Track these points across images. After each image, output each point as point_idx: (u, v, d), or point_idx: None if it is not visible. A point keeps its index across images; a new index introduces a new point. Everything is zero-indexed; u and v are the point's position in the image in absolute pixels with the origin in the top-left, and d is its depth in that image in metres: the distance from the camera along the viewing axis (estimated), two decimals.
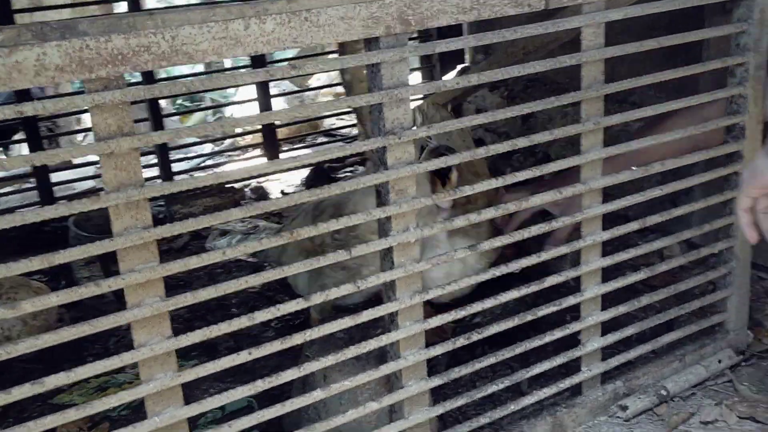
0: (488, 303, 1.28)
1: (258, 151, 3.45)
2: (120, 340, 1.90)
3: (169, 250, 2.44)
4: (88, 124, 4.30)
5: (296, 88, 3.98)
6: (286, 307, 1.09)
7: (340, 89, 3.75)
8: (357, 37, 1.04)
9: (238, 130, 3.64)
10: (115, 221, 0.95)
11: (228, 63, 5.00)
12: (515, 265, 1.30)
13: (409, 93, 1.09)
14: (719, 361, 1.60)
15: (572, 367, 1.46)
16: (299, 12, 0.98)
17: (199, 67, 4.37)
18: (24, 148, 3.57)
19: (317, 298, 1.11)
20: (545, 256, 1.33)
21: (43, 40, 0.86)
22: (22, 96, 2.48)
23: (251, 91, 3.80)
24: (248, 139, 3.63)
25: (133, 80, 3.26)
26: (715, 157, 1.48)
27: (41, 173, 2.75)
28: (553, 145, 2.61)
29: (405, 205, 1.14)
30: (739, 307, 1.63)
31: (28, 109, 0.86)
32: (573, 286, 1.44)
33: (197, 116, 4.44)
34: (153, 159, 3.03)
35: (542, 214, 1.68)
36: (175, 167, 3.03)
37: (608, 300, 1.45)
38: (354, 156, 3.08)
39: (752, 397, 1.51)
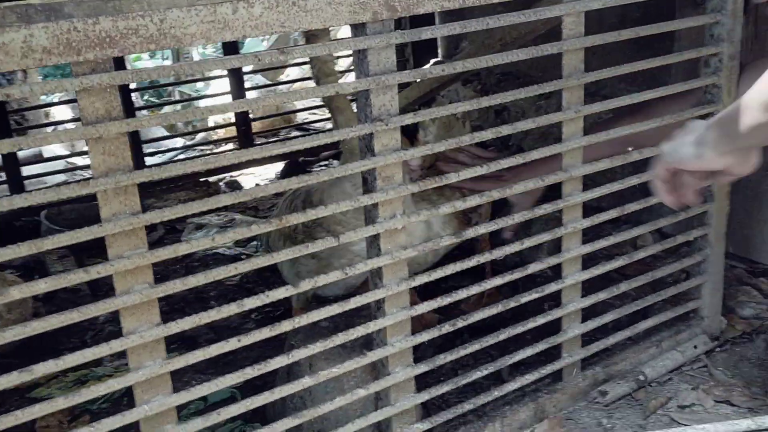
0: (473, 290, 1.29)
1: (231, 145, 3.42)
2: (97, 334, 1.88)
3: None
4: (58, 117, 4.23)
5: (268, 82, 3.96)
6: (275, 294, 1.09)
7: (312, 83, 3.74)
8: (344, 22, 1.04)
9: (211, 123, 3.61)
10: (103, 207, 0.93)
11: (195, 57, 4.96)
12: (499, 253, 1.31)
13: (396, 79, 1.10)
14: (695, 347, 1.63)
15: (552, 354, 1.48)
16: None
17: (167, 62, 4.32)
18: None
19: (306, 285, 1.11)
20: (528, 243, 1.34)
21: (29, 22, 0.85)
22: None
23: (222, 85, 3.78)
24: (221, 133, 3.60)
25: None
26: None
27: (11, 167, 2.70)
28: (526, 139, 2.64)
29: (392, 192, 1.14)
30: (713, 293, 1.67)
31: (15, 91, 0.85)
32: (550, 276, 1.47)
33: (166, 110, 4.40)
34: None
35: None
36: (147, 161, 3.00)
37: (585, 288, 1.48)
38: (328, 149, 3.07)
39: (727, 382, 1.55)
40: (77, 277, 0.93)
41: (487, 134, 1.22)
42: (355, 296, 1.18)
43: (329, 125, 3.49)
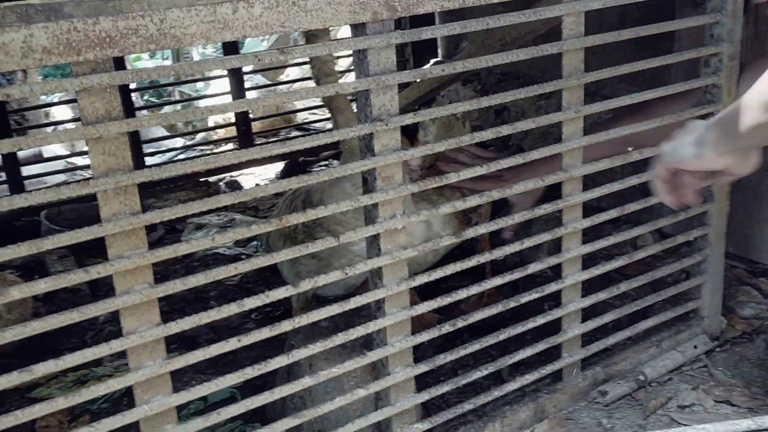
0: (473, 290, 1.29)
1: (231, 145, 3.42)
2: (97, 334, 1.88)
3: None
4: (58, 117, 4.23)
5: (268, 82, 3.96)
6: (275, 294, 1.09)
7: (312, 83, 3.74)
8: (344, 22, 1.04)
9: (211, 123, 3.61)
10: (103, 207, 0.93)
11: (195, 57, 4.95)
12: (499, 253, 1.31)
13: (396, 79, 1.10)
14: (695, 347, 1.63)
15: (552, 354, 1.48)
16: None
17: (167, 62, 4.31)
18: None
19: (306, 285, 1.11)
20: (528, 243, 1.34)
21: (29, 22, 0.85)
22: None
23: (222, 86, 3.78)
24: (221, 133, 3.60)
25: None
26: None
27: (11, 166, 2.70)
28: (526, 139, 2.64)
29: (392, 192, 1.14)
30: (713, 293, 1.66)
31: (15, 91, 0.85)
32: (550, 276, 1.46)
33: (166, 110, 4.40)
34: None
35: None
36: (147, 161, 3.00)
37: (585, 288, 1.48)
38: (328, 149, 3.07)
39: (727, 382, 1.55)
40: (77, 277, 0.93)
41: (488, 134, 1.22)
42: (355, 296, 1.18)
43: (329, 125, 3.49)
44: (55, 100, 4.17)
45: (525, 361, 1.45)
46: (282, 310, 1.92)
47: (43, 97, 3.78)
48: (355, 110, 1.16)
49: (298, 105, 3.78)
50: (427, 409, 1.47)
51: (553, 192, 1.42)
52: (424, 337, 1.26)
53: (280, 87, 3.92)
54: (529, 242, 1.34)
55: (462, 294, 1.28)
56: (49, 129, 3.98)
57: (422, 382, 1.34)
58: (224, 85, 3.26)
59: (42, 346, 1.53)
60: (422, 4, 1.09)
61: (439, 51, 3.32)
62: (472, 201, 1.25)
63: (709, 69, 1.49)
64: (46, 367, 0.92)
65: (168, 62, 4.21)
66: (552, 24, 1.70)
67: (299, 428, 1.19)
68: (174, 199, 2.54)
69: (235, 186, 2.97)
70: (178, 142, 3.71)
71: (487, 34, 1.85)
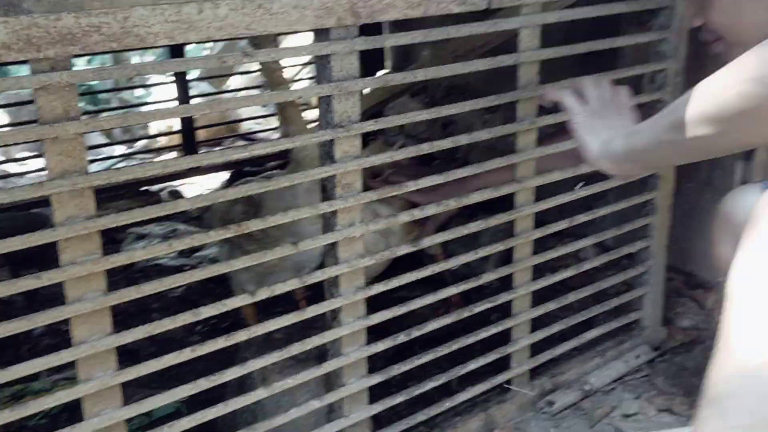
0: (428, 299, 1.29)
1: (174, 154, 3.35)
2: (32, 348, 1.80)
3: None
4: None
5: (213, 90, 3.90)
6: (232, 302, 1.07)
7: (257, 92, 3.70)
8: (309, 27, 1.03)
9: (153, 131, 3.53)
10: (57, 210, 0.90)
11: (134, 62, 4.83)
12: (455, 262, 1.32)
13: (359, 86, 1.09)
14: (637, 357, 1.68)
15: (499, 365, 1.49)
16: None
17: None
18: None
19: (263, 294, 1.09)
20: (482, 252, 1.35)
21: None
22: None
23: (165, 93, 3.70)
24: (163, 141, 3.52)
25: None
26: None
27: None
28: (472, 153, 2.67)
29: (351, 200, 1.14)
30: (654, 304, 1.72)
31: None
32: (497, 287, 1.48)
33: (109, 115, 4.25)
34: None
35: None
36: None
37: (533, 299, 1.49)
38: (274, 159, 3.04)
39: (668, 391, 1.59)
40: (27, 283, 0.89)
41: (446, 143, 1.23)
42: (311, 306, 1.16)
43: (275, 135, 3.46)
44: None
45: (474, 372, 1.46)
46: (229, 322, 1.88)
47: None
48: (306, 119, 1.15)
49: (243, 114, 3.74)
50: (378, 421, 1.46)
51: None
52: (380, 346, 1.25)
53: (226, 95, 3.87)
54: (483, 252, 1.35)
55: (418, 303, 1.28)
56: None
57: (373, 393, 1.33)
58: (166, 92, 3.19)
59: None
60: (386, 12, 1.09)
61: (388, 62, 3.33)
62: (418, 213, 1.25)
63: (654, 85, 1.54)
64: None
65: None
66: (504, 38, 1.73)
67: None
68: (114, 208, 2.46)
69: (177, 195, 2.91)
70: (117, 150, 3.61)
71: (441, 45, 1.87)
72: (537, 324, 1.52)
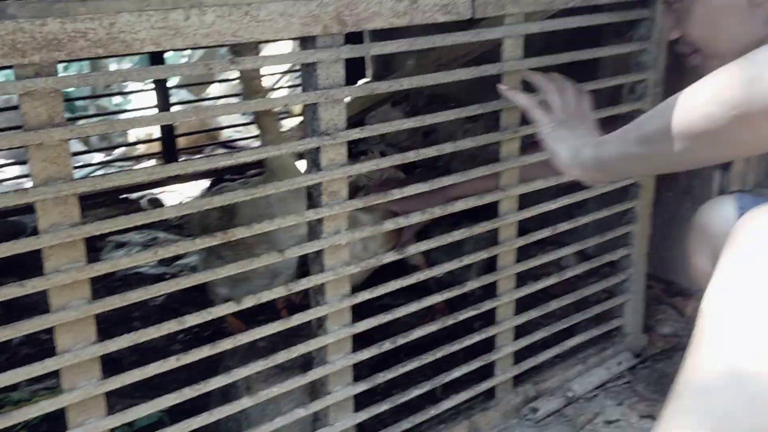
0: (413, 307, 1.29)
1: (154, 161, 3.33)
2: (10, 357, 1.78)
3: None
4: None
5: (193, 98, 3.88)
6: (217, 311, 1.06)
7: (236, 100, 3.69)
8: (296, 34, 1.03)
9: (132, 139, 3.50)
10: (41, 217, 0.89)
11: (112, 68, 4.79)
12: (438, 270, 1.32)
13: (345, 94, 1.10)
14: (619, 364, 1.69)
15: (482, 373, 1.49)
16: (240, 5, 0.97)
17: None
18: None
19: (249, 302, 1.08)
20: (467, 260, 1.36)
21: None
22: None
23: (144, 101, 3.67)
24: (142, 149, 3.49)
25: None
26: None
27: None
28: (453, 161, 2.68)
29: (337, 207, 1.14)
30: (635, 312, 1.73)
31: None
32: (480, 295, 1.48)
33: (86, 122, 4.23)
34: None
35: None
36: None
37: (516, 307, 1.50)
38: (253, 168, 3.03)
39: (650, 397, 1.60)
40: (11, 291, 0.87)
41: (431, 151, 1.23)
42: (294, 314, 1.16)
43: (256, 143, 3.45)
44: None
45: (457, 380, 1.46)
46: (211, 330, 1.87)
47: None
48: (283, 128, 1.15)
49: (223, 122, 3.73)
50: (363, 429, 1.46)
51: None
52: (365, 354, 1.25)
53: (206, 103, 3.86)
54: (468, 260, 1.36)
55: (402, 311, 1.28)
56: None
57: (358, 401, 1.33)
58: (145, 100, 3.17)
59: None
60: (372, 20, 1.09)
61: (369, 72, 3.34)
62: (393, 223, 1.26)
63: (634, 95, 1.56)
64: None
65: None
66: (486, 47, 1.74)
67: None
68: (93, 215, 2.44)
69: (157, 203, 2.89)
70: (95, 157, 3.58)
71: (424, 54, 1.88)
72: (520, 332, 1.53)
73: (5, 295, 0.86)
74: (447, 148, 1.26)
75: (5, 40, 0.80)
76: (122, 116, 3.51)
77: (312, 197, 1.15)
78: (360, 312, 1.31)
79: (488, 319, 1.47)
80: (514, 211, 1.40)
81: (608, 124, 1.56)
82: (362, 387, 1.26)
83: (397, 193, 1.21)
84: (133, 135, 3.56)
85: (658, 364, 1.74)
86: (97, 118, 3.78)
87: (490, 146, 1.35)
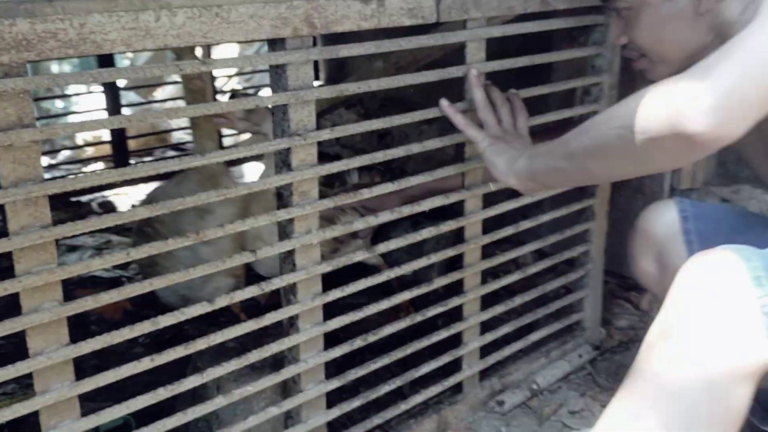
0: (383, 305, 1.31)
1: (102, 164, 3.27)
2: None
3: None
4: None
5: (142, 100, 3.83)
6: (190, 311, 1.06)
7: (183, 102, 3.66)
8: (266, 36, 1.04)
9: (80, 141, 3.44)
10: (11, 219, 0.88)
11: (54, 70, 4.68)
12: (408, 268, 1.34)
13: (315, 95, 1.11)
14: (580, 356, 1.73)
15: (449, 368, 1.51)
16: (210, 7, 0.97)
17: None
18: None
19: (222, 302, 1.08)
20: (434, 258, 1.38)
21: None
22: None
23: (89, 103, 3.61)
24: (90, 152, 3.43)
25: None
26: None
27: None
28: (409, 162, 2.71)
29: (308, 207, 1.15)
30: (593, 306, 1.78)
31: None
32: (443, 294, 1.51)
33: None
34: None
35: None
36: None
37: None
38: None
39: (611, 387, 1.65)
40: None
41: (399, 152, 1.25)
42: (269, 313, 1.16)
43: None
44: None
45: (425, 375, 1.48)
46: (171, 334, 1.85)
47: None
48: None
49: (173, 124, 3.68)
50: (332, 426, 1.47)
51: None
52: (337, 352, 1.26)
53: (155, 105, 3.81)
54: (435, 257, 1.38)
55: (373, 309, 1.29)
56: None
57: (328, 399, 1.33)
58: (91, 102, 3.10)
59: None
60: (341, 23, 1.11)
61: (321, 75, 3.34)
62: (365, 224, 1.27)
63: (590, 97, 1.61)
64: None
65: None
66: (445, 51, 1.77)
67: None
68: None
69: (108, 207, 2.85)
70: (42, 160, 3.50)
71: (384, 57, 1.89)
72: (485, 327, 1.56)
73: None
74: (414, 148, 1.28)
75: None
76: (78, 118, 3.45)
77: (283, 197, 1.15)
78: (324, 311, 1.33)
79: (451, 315, 1.49)
80: (479, 209, 1.43)
81: (563, 127, 1.61)
82: (334, 384, 1.27)
83: (365, 192, 1.22)
84: (80, 138, 3.50)
85: (616, 356, 1.79)
86: (44, 121, 3.69)
87: (445, 147, 1.37)
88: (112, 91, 2.85)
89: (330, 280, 1.26)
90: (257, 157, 1.66)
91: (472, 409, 1.54)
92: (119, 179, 0.95)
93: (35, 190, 0.88)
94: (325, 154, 2.68)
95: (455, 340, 1.50)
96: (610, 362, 1.77)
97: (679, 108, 0.87)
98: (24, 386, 1.61)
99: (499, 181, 1.22)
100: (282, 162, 1.13)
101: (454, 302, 1.44)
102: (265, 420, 1.20)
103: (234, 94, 1.66)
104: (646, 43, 1.27)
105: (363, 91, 1.17)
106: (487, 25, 1.34)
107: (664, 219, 1.39)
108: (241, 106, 1.11)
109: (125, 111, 3.42)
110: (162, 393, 1.05)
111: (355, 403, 1.31)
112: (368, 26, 1.15)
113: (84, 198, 2.87)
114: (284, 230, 1.17)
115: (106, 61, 2.86)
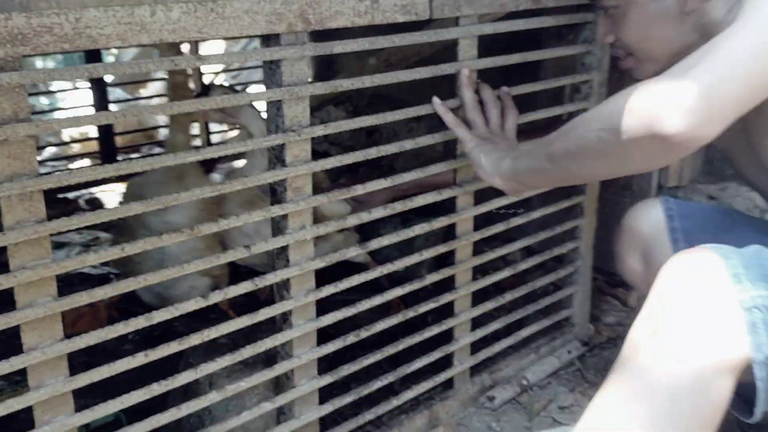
0: (376, 300, 1.31)
1: (89, 161, 3.25)
2: None
3: None
4: None
5: (129, 97, 3.81)
6: (184, 307, 1.06)
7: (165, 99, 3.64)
8: (260, 32, 1.04)
9: (66, 138, 3.41)
10: (6, 214, 0.87)
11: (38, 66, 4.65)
12: (400, 264, 1.35)
13: (309, 91, 1.11)
14: (569, 352, 1.75)
15: (440, 364, 1.52)
16: (205, 2, 0.97)
17: None
18: None
19: (216, 297, 1.08)
20: (426, 255, 1.39)
21: None
22: None
23: (78, 98, 3.58)
24: (76, 149, 3.41)
25: None
26: None
27: None
28: (398, 160, 2.71)
29: (302, 203, 1.15)
30: (582, 302, 1.79)
31: None
32: (432, 290, 1.51)
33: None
34: None
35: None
36: None
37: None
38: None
39: (599, 383, 1.66)
40: None
41: (393, 148, 1.26)
42: (262, 308, 1.16)
43: (197, 142, 3.40)
44: None
45: (416, 371, 1.48)
46: (161, 331, 1.85)
47: None
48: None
49: (160, 121, 3.67)
50: (324, 422, 1.47)
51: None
52: (330, 348, 1.26)
53: (141, 102, 3.79)
54: (427, 254, 1.38)
55: (366, 304, 1.30)
56: None
57: (321, 395, 1.34)
58: (77, 99, 3.08)
59: None
60: (335, 19, 1.11)
61: (310, 72, 3.34)
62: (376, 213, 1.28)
63: (580, 95, 1.62)
64: None
65: None
66: (435, 48, 1.78)
67: None
68: None
69: (96, 203, 2.83)
70: None
71: (375, 54, 1.89)
72: (475, 324, 1.56)
73: None
74: (407, 144, 1.28)
75: None
76: (65, 115, 3.43)
77: (276, 193, 1.15)
78: (317, 307, 1.33)
79: (442, 312, 1.50)
80: (470, 206, 1.43)
81: (552, 125, 1.62)
82: (327, 380, 1.27)
83: (359, 188, 1.23)
84: (66, 134, 3.48)
85: (604, 352, 1.81)
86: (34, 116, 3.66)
87: (433, 144, 1.38)
88: (99, 88, 2.83)
89: (322, 277, 1.26)
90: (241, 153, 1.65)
91: (463, 404, 1.55)
92: (114, 174, 0.95)
93: (30, 184, 0.88)
94: (314, 152, 2.69)
95: (446, 337, 1.51)
96: (599, 358, 1.78)
97: (656, 109, 0.89)
98: (13, 383, 1.60)
99: (485, 180, 1.24)
100: (276, 158, 1.13)
101: (445, 298, 1.45)
102: (257, 416, 1.20)
103: (210, 87, 1.65)
104: (633, 42, 1.28)
105: (356, 88, 1.17)
106: (479, 23, 1.34)
107: (649, 218, 1.41)
108: (227, 103, 1.10)
109: (112, 107, 3.40)
110: (156, 388, 1.05)
111: (347, 398, 1.31)
112: (362, 22, 1.15)
113: (71, 195, 2.85)
114: (278, 226, 1.17)
115: (93, 57, 2.84)
